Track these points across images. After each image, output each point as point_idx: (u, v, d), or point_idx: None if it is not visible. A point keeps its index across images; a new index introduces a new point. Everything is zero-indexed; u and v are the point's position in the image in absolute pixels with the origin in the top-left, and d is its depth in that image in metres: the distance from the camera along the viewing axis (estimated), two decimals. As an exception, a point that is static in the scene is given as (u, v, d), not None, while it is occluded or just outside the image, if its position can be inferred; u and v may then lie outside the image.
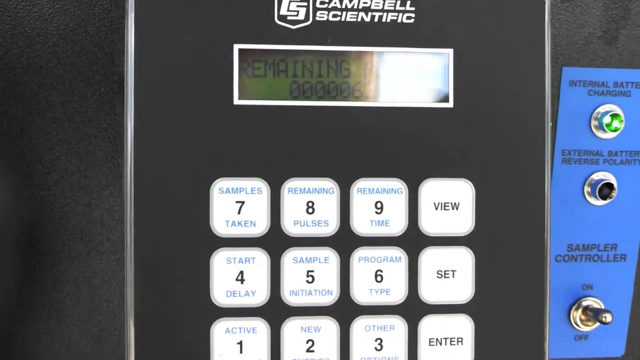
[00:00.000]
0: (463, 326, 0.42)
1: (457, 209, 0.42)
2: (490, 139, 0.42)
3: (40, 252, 0.50)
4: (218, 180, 0.41)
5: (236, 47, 0.41)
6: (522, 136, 0.42)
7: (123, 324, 0.50)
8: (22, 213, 0.50)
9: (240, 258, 0.41)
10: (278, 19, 0.41)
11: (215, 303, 0.41)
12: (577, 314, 0.53)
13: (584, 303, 0.53)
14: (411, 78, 0.42)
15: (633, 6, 0.51)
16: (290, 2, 0.41)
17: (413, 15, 0.41)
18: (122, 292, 0.50)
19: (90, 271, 0.50)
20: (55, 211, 0.49)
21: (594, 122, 0.52)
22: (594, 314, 0.52)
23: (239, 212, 0.41)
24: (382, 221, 0.42)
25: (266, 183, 0.41)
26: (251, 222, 0.41)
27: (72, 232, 0.49)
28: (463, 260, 0.42)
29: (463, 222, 0.42)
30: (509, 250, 0.42)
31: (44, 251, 0.50)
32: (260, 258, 0.41)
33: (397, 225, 0.42)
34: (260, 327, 0.41)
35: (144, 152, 0.40)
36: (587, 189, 0.52)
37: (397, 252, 0.42)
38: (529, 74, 0.42)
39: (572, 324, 0.53)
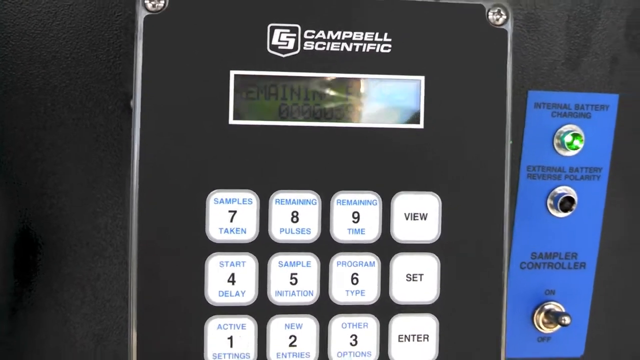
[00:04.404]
0: (429, 324, 0.44)
1: (425, 219, 0.44)
2: (456, 156, 0.44)
3: (49, 255, 0.51)
4: (213, 191, 0.43)
5: (232, 73, 0.42)
6: (484, 154, 0.44)
7: (124, 323, 0.51)
8: (33, 219, 0.50)
9: (232, 261, 0.43)
10: (270, 48, 0.43)
11: (209, 302, 0.42)
12: (540, 317, 0.54)
13: (547, 307, 0.54)
14: (387, 102, 0.44)
15: (593, 36, 0.53)
16: (280, 33, 0.42)
17: (390, 46, 0.43)
18: (123, 293, 0.51)
19: (94, 274, 0.51)
20: (64, 218, 0.50)
21: (556, 141, 0.53)
22: (554, 317, 0.53)
23: (231, 220, 0.43)
24: (359, 229, 0.44)
25: (256, 194, 0.43)
26: (242, 229, 0.43)
27: (79, 237, 0.51)
28: (430, 265, 0.44)
29: (430, 231, 0.44)
30: (471, 256, 0.44)
31: (52, 255, 0.51)
32: (249, 262, 0.43)
33: (371, 233, 0.44)
34: (249, 324, 0.43)
35: (148, 166, 0.42)
36: (549, 202, 0.54)
37: (371, 258, 0.44)
38: (492, 98, 0.44)
39: (535, 326, 0.54)
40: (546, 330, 0.54)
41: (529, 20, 0.52)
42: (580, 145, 0.53)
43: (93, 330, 0.51)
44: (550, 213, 0.54)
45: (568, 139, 0.53)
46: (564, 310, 0.54)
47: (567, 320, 0.52)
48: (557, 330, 0.54)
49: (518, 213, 0.53)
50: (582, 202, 0.54)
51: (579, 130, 0.53)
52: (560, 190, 0.54)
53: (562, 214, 0.54)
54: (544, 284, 0.55)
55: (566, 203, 0.53)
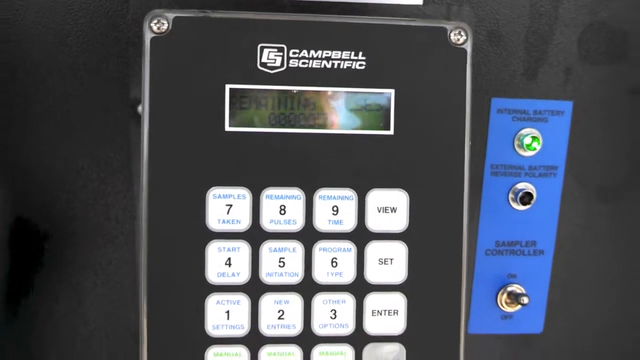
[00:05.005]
0: (398, 301, 0.46)
1: (395, 212, 0.46)
2: (422, 157, 0.45)
3: (65, 243, 0.52)
4: (212, 188, 0.44)
5: (227, 86, 0.44)
6: (447, 155, 0.45)
7: (134, 303, 0.52)
8: (51, 211, 0.51)
9: (229, 247, 0.45)
10: (260, 65, 0.44)
11: (209, 281, 0.44)
12: (503, 298, 0.56)
13: (509, 289, 0.56)
14: (361, 111, 0.45)
15: (549, 49, 0.54)
16: (269, 52, 0.44)
17: (364, 63, 0.45)
18: (133, 276, 0.52)
19: (106, 259, 0.52)
20: (79, 210, 0.51)
21: (517, 142, 0.54)
22: (515, 298, 0.55)
23: (228, 213, 0.44)
24: (338, 220, 0.45)
25: (249, 190, 0.45)
26: (237, 220, 0.45)
27: (92, 227, 0.52)
28: (399, 251, 0.46)
29: (399, 222, 0.46)
30: (434, 243, 0.46)
31: (68, 243, 0.52)
32: (243, 247, 0.45)
33: (348, 223, 0.46)
34: (243, 300, 0.45)
35: (156, 166, 0.44)
36: (511, 196, 0.55)
37: (348, 244, 0.46)
38: (453, 108, 0.45)
39: (499, 306, 0.56)
40: (509, 310, 0.56)
41: (492, 36, 0.53)
42: (538, 147, 0.54)
43: (105, 310, 0.52)
44: (511, 206, 0.55)
45: (527, 140, 0.54)
46: (524, 292, 0.55)
47: (525, 300, 0.54)
48: (518, 310, 0.56)
49: (483, 206, 0.55)
50: (540, 197, 0.55)
51: (536, 133, 0.54)
52: (520, 186, 0.55)
53: (522, 207, 0.55)
54: (507, 268, 0.56)
55: (526, 197, 0.54)
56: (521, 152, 0.55)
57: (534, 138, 0.54)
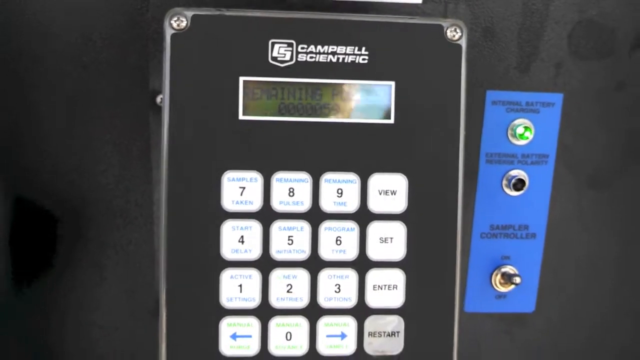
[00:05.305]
0: (397, 277, 0.47)
1: (395, 194, 0.47)
2: (420, 145, 0.47)
3: (88, 225, 0.53)
4: (227, 171, 0.46)
5: (241, 79, 0.45)
6: (443, 143, 0.47)
7: (152, 280, 0.54)
8: (75, 194, 0.53)
9: (242, 226, 0.46)
10: (271, 59, 0.46)
11: (223, 257, 0.46)
12: (497, 278, 0.57)
13: (503, 270, 0.57)
14: (364, 102, 0.47)
15: (541, 45, 0.55)
16: (279, 47, 0.45)
17: (367, 57, 0.46)
18: (151, 255, 0.53)
19: (126, 239, 0.54)
20: (101, 194, 0.53)
21: (510, 132, 0.55)
22: (509, 278, 0.56)
23: (241, 194, 0.46)
24: (342, 202, 0.47)
25: (260, 174, 0.46)
26: (249, 201, 0.46)
27: (114, 209, 0.53)
28: (398, 230, 0.47)
29: (399, 204, 0.47)
30: (431, 224, 0.47)
31: (90, 224, 0.53)
32: (255, 227, 0.46)
33: (352, 205, 0.47)
34: (255, 275, 0.46)
35: (175, 151, 0.45)
36: (505, 182, 0.56)
37: (352, 224, 0.47)
38: (449, 99, 0.47)
39: (493, 286, 0.57)
40: (502, 290, 0.57)
41: (486, 32, 0.54)
42: (530, 136, 0.55)
43: (125, 287, 0.54)
44: (505, 192, 0.56)
45: (520, 130, 0.55)
46: (516, 272, 0.56)
47: (517, 280, 0.55)
48: (511, 289, 0.57)
49: (478, 192, 0.56)
50: (532, 183, 0.56)
51: (529, 124, 0.55)
52: (513, 173, 0.56)
53: (515, 193, 0.56)
54: (501, 250, 0.57)
55: (518, 184, 0.55)
56: (514, 141, 0.56)
57: (526, 128, 0.55)
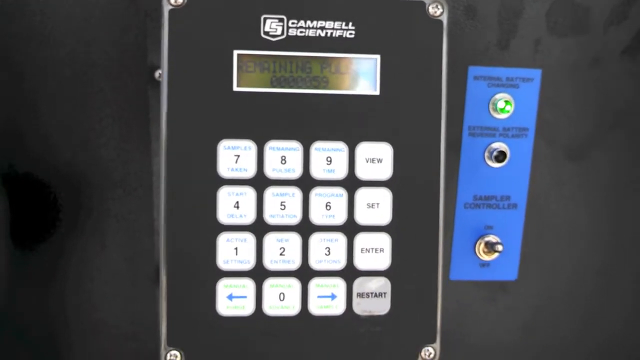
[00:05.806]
0: (384, 240, 0.48)
1: (380, 162, 0.48)
2: (404, 115, 0.48)
3: (90, 194, 0.54)
4: (222, 140, 0.47)
5: (235, 52, 0.46)
6: (425, 113, 0.48)
7: (151, 248, 0.54)
8: (78, 166, 0.53)
9: (237, 192, 0.47)
10: (263, 34, 0.47)
11: (220, 222, 0.47)
12: (480, 247, 0.58)
13: (486, 239, 0.57)
14: (351, 74, 0.48)
15: (520, 22, 0.56)
16: (271, 22, 0.46)
17: (353, 32, 0.47)
18: (151, 224, 0.54)
19: (126, 209, 0.54)
20: (102, 166, 0.53)
21: (491, 106, 0.56)
22: (491, 247, 0.57)
23: (236, 162, 0.47)
24: (331, 170, 0.48)
25: (254, 143, 0.47)
26: (244, 169, 0.47)
27: (115, 180, 0.54)
28: (384, 196, 0.48)
29: (385, 171, 0.48)
30: (415, 190, 0.48)
31: (92, 194, 0.54)
32: (249, 193, 0.47)
33: (340, 173, 0.48)
34: (249, 238, 0.47)
35: (173, 121, 0.46)
36: (487, 154, 0.57)
37: (340, 190, 0.48)
38: (431, 72, 0.48)
39: (477, 255, 0.58)
40: (486, 258, 0.58)
41: (468, 10, 0.55)
42: (511, 110, 0.56)
43: (125, 254, 0.54)
44: (487, 164, 0.57)
45: (501, 104, 0.56)
46: (499, 241, 0.57)
47: (500, 247, 0.56)
48: (494, 258, 0.58)
49: (462, 164, 0.56)
50: (513, 155, 0.57)
51: (509, 98, 0.56)
52: (495, 145, 0.56)
53: (497, 165, 0.57)
54: (484, 220, 0.57)
55: (500, 156, 0.56)
56: (495, 115, 0.57)
57: (507, 102, 0.56)
